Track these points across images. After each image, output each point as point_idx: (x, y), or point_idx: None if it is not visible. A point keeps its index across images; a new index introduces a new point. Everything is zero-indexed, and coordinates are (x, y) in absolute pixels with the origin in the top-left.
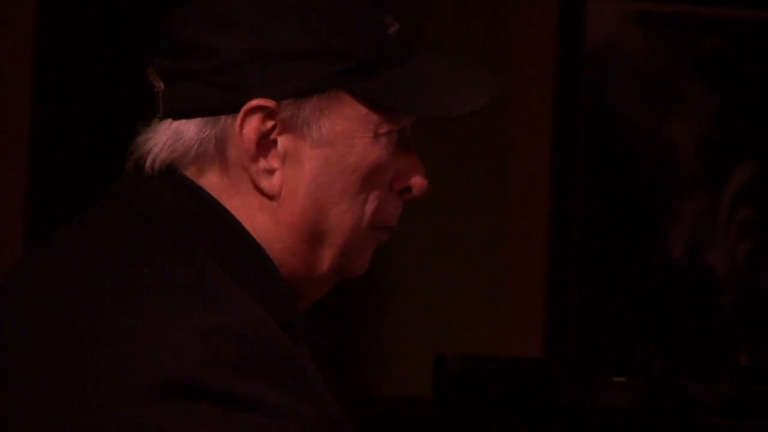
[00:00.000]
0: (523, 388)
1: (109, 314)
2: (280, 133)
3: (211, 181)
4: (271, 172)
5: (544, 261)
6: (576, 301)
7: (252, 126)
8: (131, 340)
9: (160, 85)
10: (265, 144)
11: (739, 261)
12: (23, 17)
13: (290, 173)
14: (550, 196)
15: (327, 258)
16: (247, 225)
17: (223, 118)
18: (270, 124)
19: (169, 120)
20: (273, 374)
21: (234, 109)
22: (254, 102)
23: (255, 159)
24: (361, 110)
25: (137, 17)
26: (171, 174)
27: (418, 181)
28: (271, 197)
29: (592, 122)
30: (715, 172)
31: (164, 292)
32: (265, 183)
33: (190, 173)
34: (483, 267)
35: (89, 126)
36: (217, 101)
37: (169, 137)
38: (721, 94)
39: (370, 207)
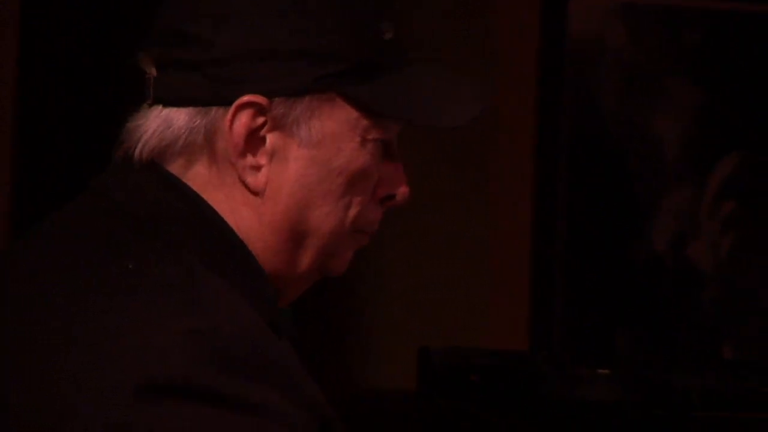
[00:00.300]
0: (507, 381)
1: (94, 312)
2: (269, 131)
3: (197, 173)
4: (257, 168)
5: (528, 256)
6: (560, 295)
7: (242, 121)
8: (118, 339)
9: (153, 71)
10: (253, 140)
11: (723, 255)
12: (6, 14)
13: (276, 171)
14: (534, 192)
15: (307, 258)
16: (230, 219)
17: (214, 109)
18: (260, 120)
19: (160, 107)
20: (262, 374)
21: (226, 103)
22: (246, 98)
23: (243, 154)
24: (352, 114)
25: (122, 12)
26: (157, 167)
27: (400, 190)
28: (255, 193)
29: (575, 117)
30: (699, 166)
31: (152, 291)
32: (250, 179)
33: (177, 164)
34: (467, 262)
35: (74, 122)
36: (209, 93)
37: (159, 124)
38: (705, 88)
39: (352, 212)
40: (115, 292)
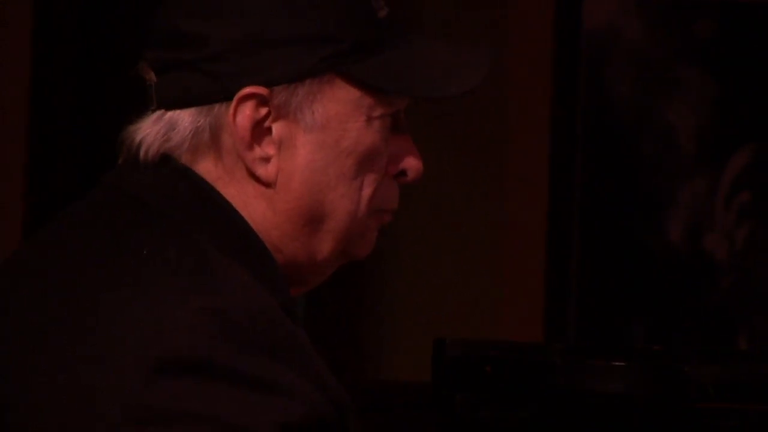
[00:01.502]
0: (522, 373)
1: (111, 298)
2: (274, 120)
3: (206, 170)
4: (266, 159)
5: (543, 248)
6: (575, 287)
7: (245, 114)
8: (135, 321)
9: (152, 77)
10: (259, 131)
11: (738, 245)
12: (20, 17)
13: (285, 160)
14: (549, 182)
15: (327, 243)
16: (244, 213)
17: (216, 106)
18: (263, 111)
19: (162, 110)
20: (278, 353)
21: (227, 97)
22: (247, 90)
23: (250, 147)
24: (354, 93)
25: (132, 15)
26: (166, 162)
27: (413, 165)
28: (267, 185)
29: (590, 109)
30: (714, 157)
31: (168, 274)
32: (261, 171)
33: (184, 162)
34: (482, 254)
35: (87, 125)
36: (210, 90)
37: (162, 127)
38: (720, 80)
39: (366, 191)
40: (130, 278)
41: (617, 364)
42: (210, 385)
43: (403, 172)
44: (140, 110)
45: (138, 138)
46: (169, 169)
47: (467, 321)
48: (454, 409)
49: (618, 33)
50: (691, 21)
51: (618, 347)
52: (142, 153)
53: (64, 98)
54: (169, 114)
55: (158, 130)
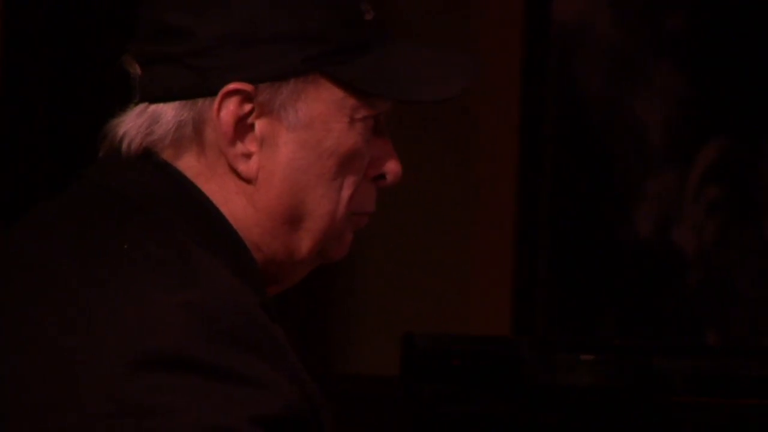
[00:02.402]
0: (490, 367)
1: (92, 292)
2: (257, 117)
3: (188, 164)
4: (248, 155)
5: (511, 241)
6: (544, 281)
7: (229, 109)
8: (115, 315)
9: (137, 70)
10: (242, 128)
11: (707, 240)
12: None
13: (267, 157)
14: (518, 178)
15: (306, 242)
16: (224, 209)
17: (200, 101)
18: (247, 107)
19: (145, 103)
20: (256, 348)
21: (211, 93)
22: (232, 86)
23: (232, 143)
24: (338, 94)
25: (106, 10)
26: (148, 157)
27: (392, 168)
28: (248, 181)
29: (560, 102)
30: (683, 151)
31: (147, 268)
32: (242, 167)
33: (166, 156)
34: (450, 248)
35: (56, 123)
36: (194, 84)
37: (146, 120)
38: (689, 73)
39: (346, 193)
40: (111, 273)
41: (585, 357)
42: (189, 380)
43: (382, 176)
44: (117, 107)
45: (121, 131)
46: (151, 164)
47: (436, 315)
48: (422, 402)
49: (588, 27)
50: (661, 15)
51: (586, 341)
52: (124, 146)
53: (34, 101)
54: (153, 107)
55: (141, 123)
